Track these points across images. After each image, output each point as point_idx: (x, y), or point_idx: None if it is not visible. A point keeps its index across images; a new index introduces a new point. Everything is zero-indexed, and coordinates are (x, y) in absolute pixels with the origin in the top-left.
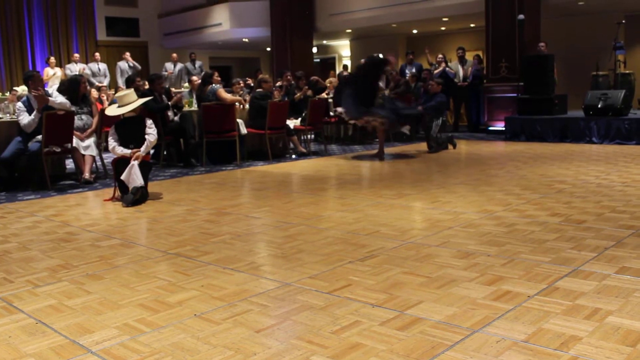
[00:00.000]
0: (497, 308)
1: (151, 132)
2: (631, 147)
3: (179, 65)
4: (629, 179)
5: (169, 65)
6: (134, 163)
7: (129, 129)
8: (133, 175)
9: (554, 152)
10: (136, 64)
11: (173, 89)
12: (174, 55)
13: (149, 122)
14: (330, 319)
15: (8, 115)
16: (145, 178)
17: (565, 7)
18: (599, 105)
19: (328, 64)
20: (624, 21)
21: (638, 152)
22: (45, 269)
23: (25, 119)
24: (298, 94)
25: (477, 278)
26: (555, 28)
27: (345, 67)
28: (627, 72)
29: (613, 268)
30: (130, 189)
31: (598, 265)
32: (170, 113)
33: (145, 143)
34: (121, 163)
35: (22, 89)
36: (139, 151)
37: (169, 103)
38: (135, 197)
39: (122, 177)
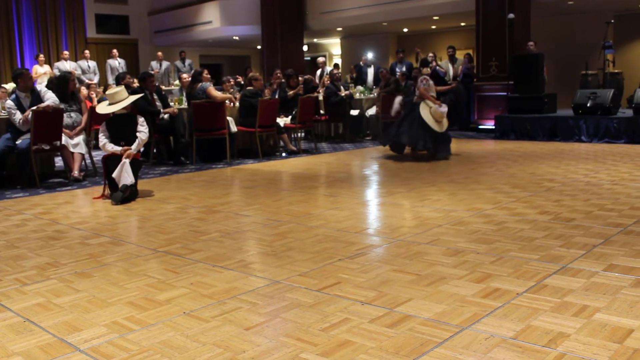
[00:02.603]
0: (486, 305)
1: (143, 130)
2: (620, 145)
3: (165, 64)
4: (617, 177)
5: (154, 64)
6: (126, 161)
7: (120, 126)
8: (124, 173)
9: (544, 150)
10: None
11: (163, 87)
12: (159, 53)
13: (141, 119)
14: (319, 316)
15: None
16: (135, 176)
17: (555, 6)
18: (588, 104)
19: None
20: (613, 21)
21: (626, 150)
22: (33, 267)
23: (17, 116)
24: (291, 92)
25: (467, 275)
26: (545, 27)
27: (336, 65)
28: (616, 71)
29: (601, 265)
30: (120, 186)
31: (586, 263)
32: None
33: (137, 141)
34: (111, 160)
35: (10, 86)
36: (130, 149)
37: (162, 111)
38: (125, 195)
39: (114, 175)
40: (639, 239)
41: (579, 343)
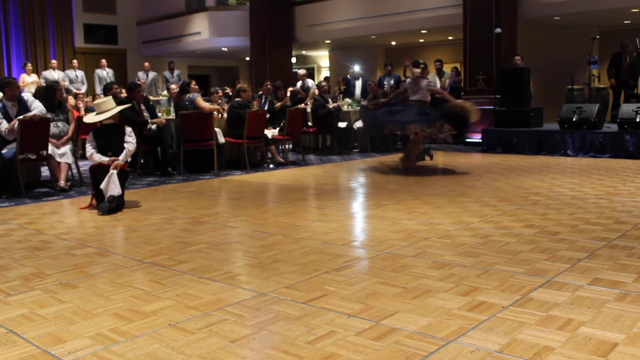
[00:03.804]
0: (471, 318)
1: (130, 141)
2: (605, 160)
3: (152, 74)
4: (602, 191)
5: (141, 75)
6: (113, 172)
7: (107, 137)
8: (112, 184)
9: (530, 164)
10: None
11: (151, 97)
12: (146, 64)
13: (129, 130)
14: (305, 329)
15: None
16: (122, 186)
17: (542, 21)
18: (574, 119)
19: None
20: (598, 36)
21: (611, 165)
22: (17, 278)
23: (3, 125)
24: (279, 104)
25: (453, 289)
26: (532, 42)
27: (326, 78)
28: (601, 86)
29: (586, 279)
30: (107, 197)
31: (571, 277)
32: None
33: (124, 151)
34: (98, 170)
35: None
36: (118, 160)
37: (150, 121)
38: (111, 206)
39: (101, 186)
40: (624, 253)
41: (564, 357)
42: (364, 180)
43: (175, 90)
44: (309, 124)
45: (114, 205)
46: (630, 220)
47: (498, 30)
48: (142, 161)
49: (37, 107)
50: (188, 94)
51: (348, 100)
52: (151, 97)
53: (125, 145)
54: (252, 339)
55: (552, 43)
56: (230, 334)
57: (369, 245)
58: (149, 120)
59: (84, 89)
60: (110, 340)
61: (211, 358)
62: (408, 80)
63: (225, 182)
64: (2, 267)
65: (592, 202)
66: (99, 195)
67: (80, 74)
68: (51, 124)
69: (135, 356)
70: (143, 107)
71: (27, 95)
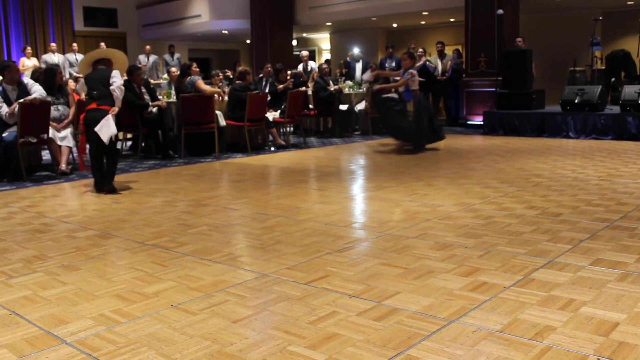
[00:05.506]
0: (473, 299)
1: (115, 82)
2: (607, 142)
3: (152, 57)
4: (604, 173)
5: (142, 58)
6: (109, 116)
7: (93, 82)
8: (105, 127)
9: (532, 146)
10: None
11: (151, 80)
12: (147, 47)
13: (114, 72)
14: (307, 309)
15: None
16: (114, 166)
17: (544, 3)
18: (576, 101)
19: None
20: (600, 18)
21: (614, 147)
22: (19, 260)
23: (4, 109)
24: (281, 86)
25: (454, 269)
26: (534, 24)
27: (327, 61)
28: (604, 68)
29: (588, 260)
30: (104, 140)
31: (573, 257)
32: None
33: (114, 96)
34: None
35: None
36: (114, 108)
37: (151, 104)
38: (109, 189)
39: (96, 128)
40: (625, 234)
41: (565, 336)
42: (365, 163)
43: (176, 73)
44: (310, 106)
45: (106, 191)
46: (632, 202)
47: (500, 11)
48: (143, 144)
49: (38, 91)
50: (189, 77)
51: (349, 82)
52: (152, 80)
53: (111, 89)
54: (254, 320)
55: (555, 24)
56: (232, 314)
57: (370, 227)
58: (150, 104)
59: None
60: (113, 321)
61: (213, 338)
62: (412, 70)
63: (227, 165)
64: (5, 249)
65: (594, 184)
66: (96, 175)
67: (80, 57)
68: (52, 108)
69: (138, 337)
70: (144, 90)
71: (27, 78)
